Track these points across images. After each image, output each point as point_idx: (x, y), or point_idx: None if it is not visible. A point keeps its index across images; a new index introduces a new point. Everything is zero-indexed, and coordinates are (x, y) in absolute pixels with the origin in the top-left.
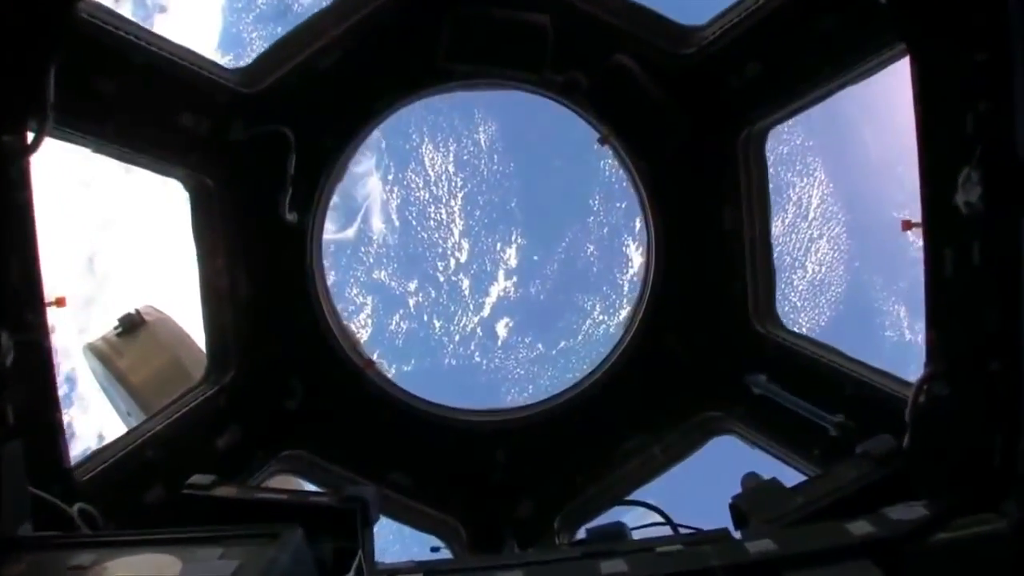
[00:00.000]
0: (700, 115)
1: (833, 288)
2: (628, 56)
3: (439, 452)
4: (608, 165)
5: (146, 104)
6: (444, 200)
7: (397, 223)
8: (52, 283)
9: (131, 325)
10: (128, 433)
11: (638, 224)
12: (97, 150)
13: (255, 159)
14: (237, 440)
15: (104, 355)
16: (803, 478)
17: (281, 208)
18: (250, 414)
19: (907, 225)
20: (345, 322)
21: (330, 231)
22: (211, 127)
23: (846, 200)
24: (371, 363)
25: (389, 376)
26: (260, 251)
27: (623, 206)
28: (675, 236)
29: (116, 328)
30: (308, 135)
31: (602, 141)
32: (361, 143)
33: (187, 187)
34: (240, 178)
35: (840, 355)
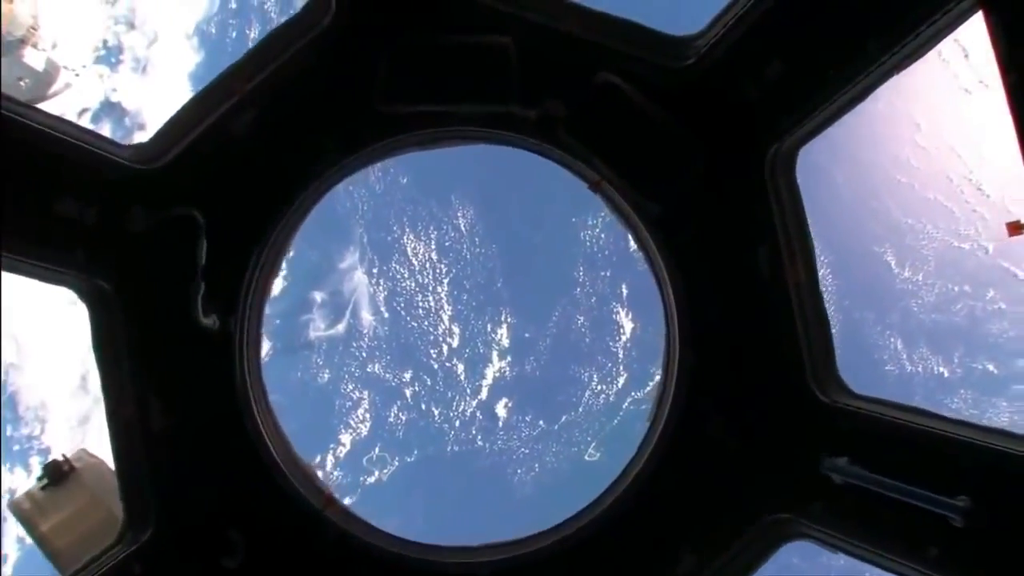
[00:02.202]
0: (714, 137)
1: None
2: (614, 74)
3: None
4: (589, 236)
5: (10, 189)
6: (431, 288)
7: (386, 315)
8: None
9: (58, 475)
10: None
11: (625, 290)
12: None
13: (162, 253)
14: None
15: (26, 516)
16: None
17: (195, 311)
18: None
19: (1016, 229)
20: (297, 452)
21: (320, 328)
22: (101, 216)
23: (826, 242)
24: (332, 500)
25: (357, 513)
26: (176, 369)
27: (608, 274)
28: (700, 293)
29: (40, 479)
30: (225, 216)
31: (594, 187)
32: (297, 222)
33: (80, 295)
34: (145, 278)
35: (936, 417)
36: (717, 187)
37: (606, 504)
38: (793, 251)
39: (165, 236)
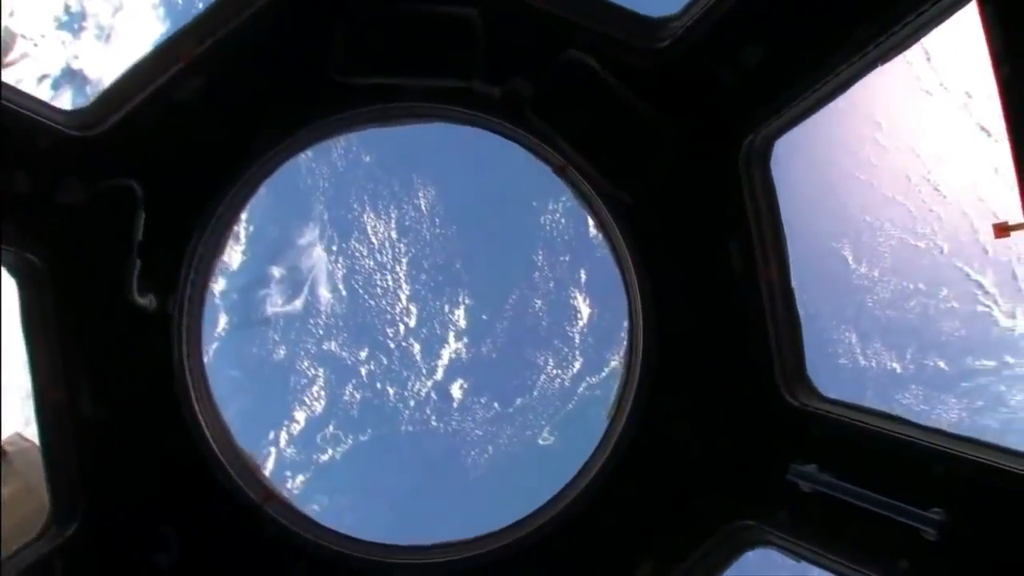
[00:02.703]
0: (688, 124)
1: None
2: (584, 53)
3: None
4: (550, 221)
5: None
6: (389, 267)
7: (344, 293)
8: None
9: None
10: None
11: (583, 276)
12: None
13: (98, 226)
14: None
15: None
16: None
17: (129, 289)
18: None
19: (1001, 231)
20: (238, 442)
21: (277, 304)
22: (33, 185)
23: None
24: (272, 494)
25: (300, 509)
26: (110, 351)
27: (567, 259)
28: (667, 287)
29: None
30: (166, 189)
31: (559, 172)
32: (245, 198)
33: (8, 269)
34: (78, 253)
35: (910, 424)
36: (688, 177)
37: (563, 505)
38: (766, 248)
39: (101, 208)
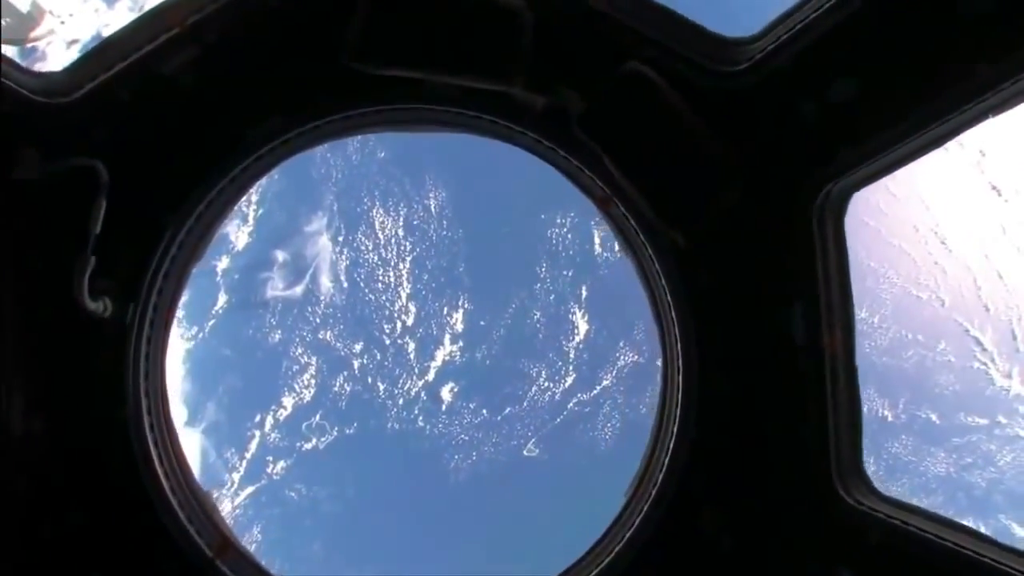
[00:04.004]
0: (758, 162)
1: None
2: (647, 66)
3: None
4: (556, 234)
5: None
6: (393, 263)
7: (345, 284)
8: None
9: None
10: None
11: (584, 292)
12: None
13: (52, 211)
14: None
15: None
16: None
17: (79, 290)
18: None
19: None
20: (195, 482)
21: (278, 288)
22: None
23: None
24: (228, 546)
25: (259, 563)
26: (52, 361)
27: (569, 274)
28: (715, 350)
29: None
30: (138, 177)
31: (602, 204)
32: (230, 199)
33: None
34: (24, 240)
35: (987, 541)
36: (753, 224)
37: None
38: (833, 314)
39: (59, 190)
